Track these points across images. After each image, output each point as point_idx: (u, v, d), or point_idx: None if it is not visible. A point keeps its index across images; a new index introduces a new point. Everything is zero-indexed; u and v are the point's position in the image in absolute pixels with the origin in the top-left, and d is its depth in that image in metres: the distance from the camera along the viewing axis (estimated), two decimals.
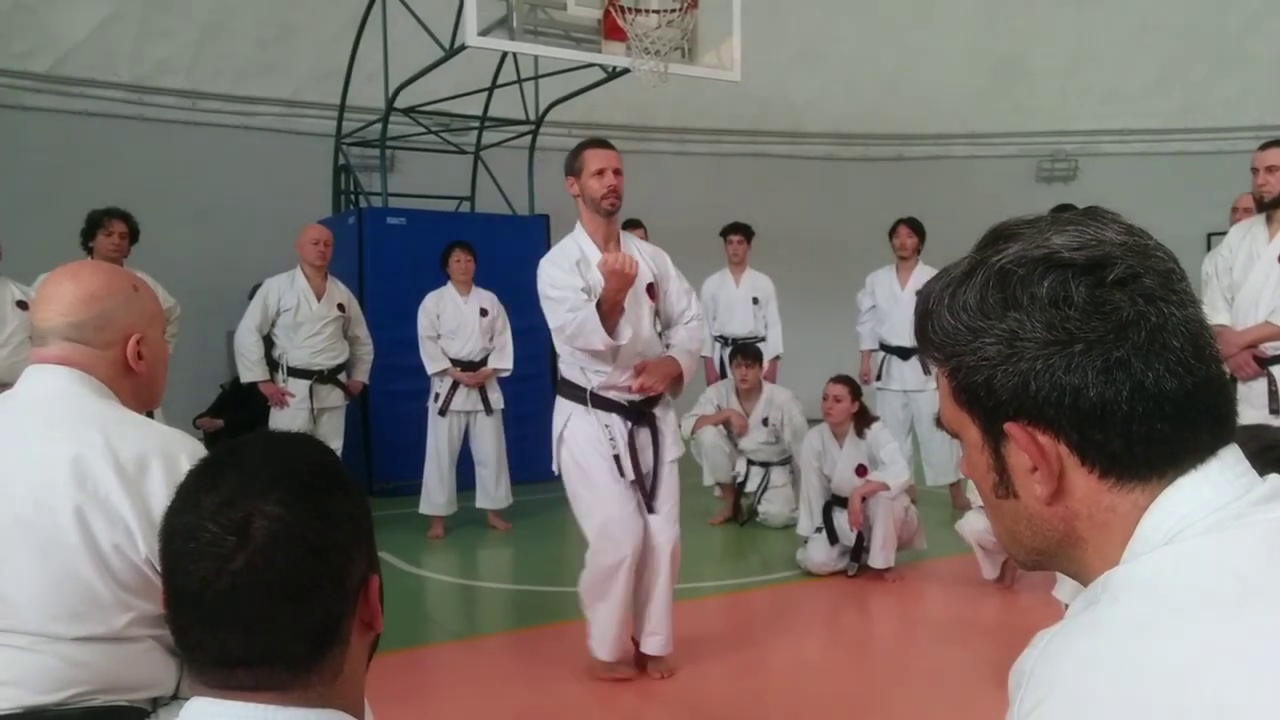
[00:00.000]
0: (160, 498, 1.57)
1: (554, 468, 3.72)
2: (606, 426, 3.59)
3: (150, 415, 1.79)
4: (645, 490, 3.64)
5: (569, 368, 3.66)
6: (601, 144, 3.69)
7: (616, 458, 3.58)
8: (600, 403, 3.61)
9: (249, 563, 0.95)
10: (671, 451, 3.74)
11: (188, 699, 1.02)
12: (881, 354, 6.95)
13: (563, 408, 3.69)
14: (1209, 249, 7.65)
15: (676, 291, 3.82)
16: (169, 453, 1.62)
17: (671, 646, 3.76)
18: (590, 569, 3.64)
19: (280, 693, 0.97)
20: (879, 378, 6.96)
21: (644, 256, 3.73)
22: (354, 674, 1.05)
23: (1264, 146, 4.17)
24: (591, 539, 3.63)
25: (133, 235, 5.37)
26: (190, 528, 0.98)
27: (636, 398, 3.61)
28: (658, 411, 3.71)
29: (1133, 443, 0.79)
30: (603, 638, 3.65)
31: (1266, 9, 11.50)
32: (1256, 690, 0.65)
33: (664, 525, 3.70)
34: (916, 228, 6.77)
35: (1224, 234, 4.53)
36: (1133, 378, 0.77)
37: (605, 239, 3.67)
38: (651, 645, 3.77)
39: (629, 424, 3.61)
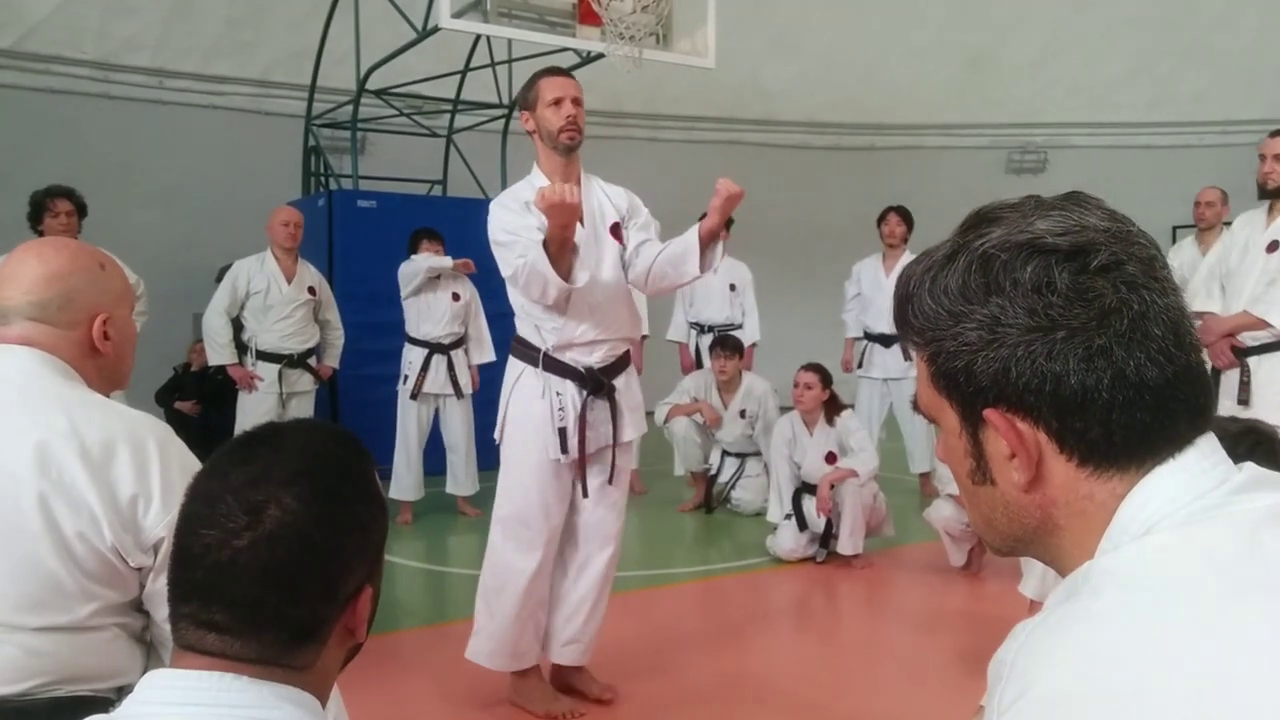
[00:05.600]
0: (127, 483, 1.54)
1: (495, 434, 3.29)
2: (558, 394, 3.16)
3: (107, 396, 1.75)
4: (584, 473, 3.21)
5: (524, 324, 3.22)
6: (558, 71, 3.27)
7: (563, 431, 3.14)
8: (554, 366, 3.17)
9: (252, 544, 0.99)
10: (629, 431, 3.29)
11: None
12: (864, 341, 6.99)
13: (513, 368, 3.25)
14: (1174, 241, 7.76)
15: (642, 224, 3.33)
16: (137, 437, 1.58)
17: (590, 657, 3.37)
18: (492, 564, 3.23)
19: (246, 664, 1.00)
20: (860, 365, 7.01)
21: (609, 196, 3.31)
22: (325, 669, 1.08)
23: (1275, 134, 4.13)
24: (504, 522, 3.22)
25: (80, 211, 5.25)
26: (212, 495, 1.02)
27: (595, 364, 3.19)
28: (618, 383, 3.26)
29: (1112, 431, 0.78)
30: (493, 639, 3.21)
31: (1234, 5, 11.64)
32: (1235, 682, 0.65)
33: (607, 515, 3.31)
34: (906, 216, 6.80)
35: (1189, 226, 4.62)
36: (1114, 366, 0.77)
37: (564, 180, 3.09)
38: (565, 655, 3.32)
39: (584, 393, 3.18)
